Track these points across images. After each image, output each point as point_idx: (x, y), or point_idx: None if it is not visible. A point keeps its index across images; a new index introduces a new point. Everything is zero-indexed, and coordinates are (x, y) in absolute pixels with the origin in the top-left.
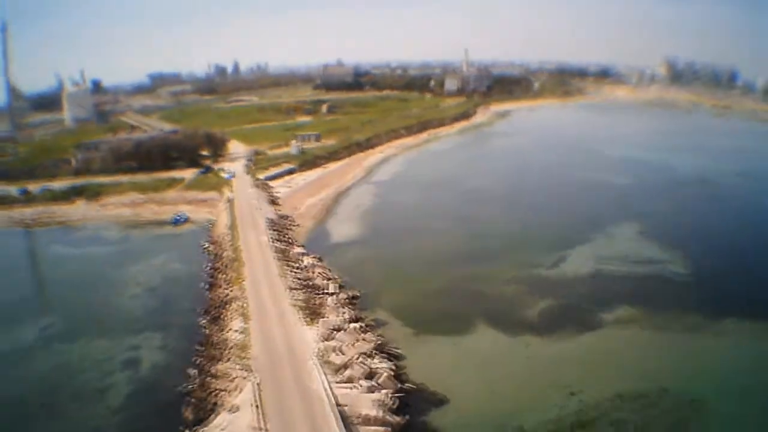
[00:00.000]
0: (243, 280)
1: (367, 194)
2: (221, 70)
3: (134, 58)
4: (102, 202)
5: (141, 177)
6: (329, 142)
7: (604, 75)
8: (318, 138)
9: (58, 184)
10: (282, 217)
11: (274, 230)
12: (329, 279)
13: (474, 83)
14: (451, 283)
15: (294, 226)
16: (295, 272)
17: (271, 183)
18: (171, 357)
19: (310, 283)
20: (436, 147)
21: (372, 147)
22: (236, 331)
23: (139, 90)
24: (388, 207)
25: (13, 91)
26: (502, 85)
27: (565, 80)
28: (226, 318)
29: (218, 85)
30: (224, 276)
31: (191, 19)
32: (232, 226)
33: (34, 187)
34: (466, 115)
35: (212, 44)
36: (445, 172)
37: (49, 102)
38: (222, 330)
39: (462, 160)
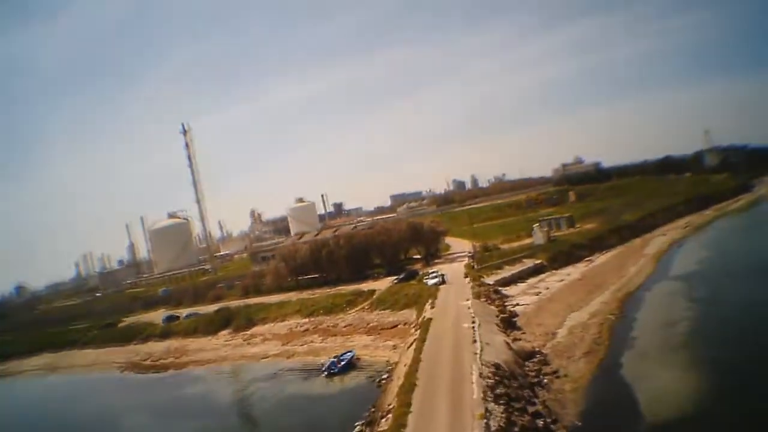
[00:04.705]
0: None
1: (676, 299)
2: (459, 184)
3: (379, 187)
4: (250, 333)
5: (321, 291)
6: (587, 226)
7: None
8: (571, 222)
9: (212, 308)
10: (521, 354)
11: (502, 397)
12: None
13: (733, 158)
14: None
15: (547, 375)
16: None
17: (505, 289)
18: None
19: None
20: (736, 223)
21: (648, 230)
22: None
23: (381, 210)
24: (732, 324)
25: (253, 215)
26: (761, 158)
27: None
28: None
29: (455, 195)
30: None
31: (429, 143)
32: (407, 388)
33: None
34: (745, 188)
35: (454, 164)
36: None
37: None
38: None
39: None
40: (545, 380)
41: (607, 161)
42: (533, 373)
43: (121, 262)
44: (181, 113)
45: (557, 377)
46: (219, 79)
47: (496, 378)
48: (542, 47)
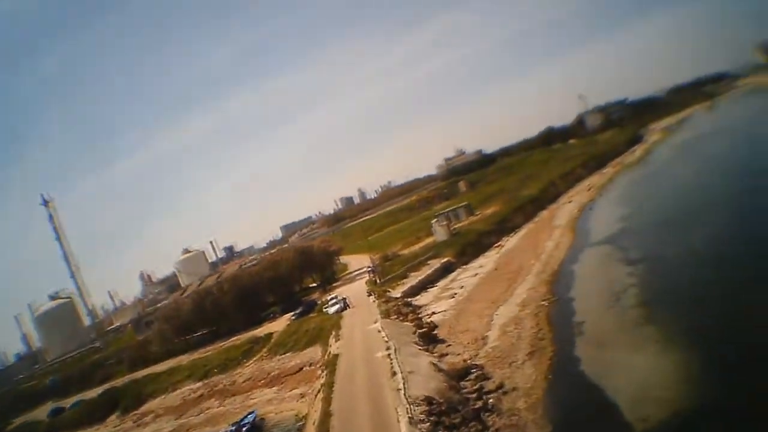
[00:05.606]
0: None
1: (611, 266)
2: (347, 201)
3: (269, 221)
4: (141, 412)
5: (214, 347)
6: (488, 211)
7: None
8: (470, 210)
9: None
10: (454, 374)
11: None
12: None
13: (615, 114)
14: None
15: (492, 393)
16: None
17: (416, 299)
18: None
19: None
20: (641, 174)
21: (553, 200)
22: None
23: (273, 244)
24: (683, 279)
25: (143, 277)
26: (641, 109)
27: (696, 92)
28: None
29: (345, 213)
30: None
31: (312, 167)
32: None
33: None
34: (636, 139)
35: (339, 183)
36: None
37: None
38: None
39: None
40: (491, 401)
41: (489, 148)
42: (474, 395)
43: (18, 356)
44: (53, 182)
45: (504, 393)
46: (90, 140)
47: (432, 418)
48: (407, 48)
